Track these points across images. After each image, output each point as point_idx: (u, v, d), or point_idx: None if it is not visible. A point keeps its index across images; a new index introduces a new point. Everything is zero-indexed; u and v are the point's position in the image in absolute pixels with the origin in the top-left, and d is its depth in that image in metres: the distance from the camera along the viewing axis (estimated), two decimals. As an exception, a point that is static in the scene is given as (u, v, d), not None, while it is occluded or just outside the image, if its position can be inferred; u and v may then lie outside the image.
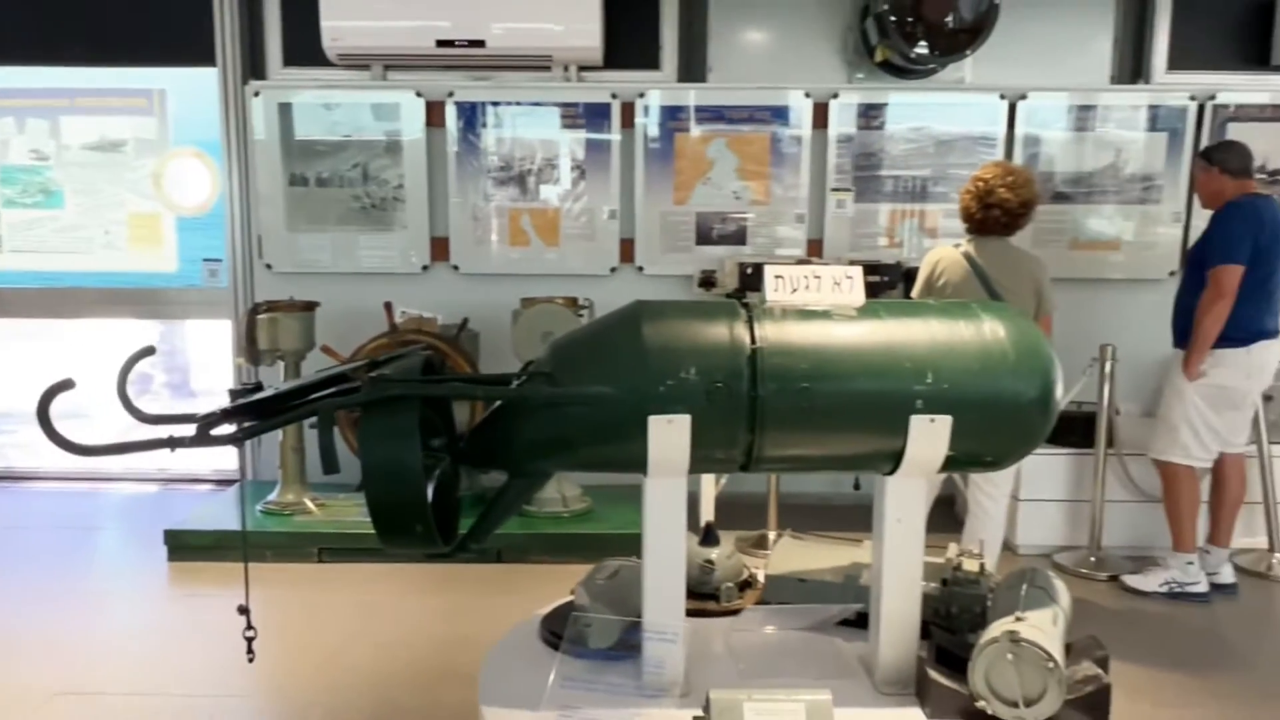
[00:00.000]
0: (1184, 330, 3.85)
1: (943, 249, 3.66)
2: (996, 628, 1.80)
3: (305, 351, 4.47)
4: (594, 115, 4.89)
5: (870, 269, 3.77)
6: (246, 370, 4.52)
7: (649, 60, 5.05)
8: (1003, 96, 4.89)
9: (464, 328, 4.45)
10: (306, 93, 4.90)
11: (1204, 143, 4.77)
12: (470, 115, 4.89)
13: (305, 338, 4.45)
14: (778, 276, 1.99)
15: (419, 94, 4.89)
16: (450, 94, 4.89)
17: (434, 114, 4.90)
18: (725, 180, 4.92)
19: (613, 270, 4.98)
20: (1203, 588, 3.83)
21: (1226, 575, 3.93)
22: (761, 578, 2.41)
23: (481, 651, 2.12)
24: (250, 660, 1.98)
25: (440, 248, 4.99)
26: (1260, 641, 3.57)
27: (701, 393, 1.81)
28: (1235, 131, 4.76)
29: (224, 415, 1.87)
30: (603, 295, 4.63)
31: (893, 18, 4.70)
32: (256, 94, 4.91)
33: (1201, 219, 4.14)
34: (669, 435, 1.81)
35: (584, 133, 4.90)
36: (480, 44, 4.69)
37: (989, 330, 1.91)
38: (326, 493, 4.53)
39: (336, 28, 4.68)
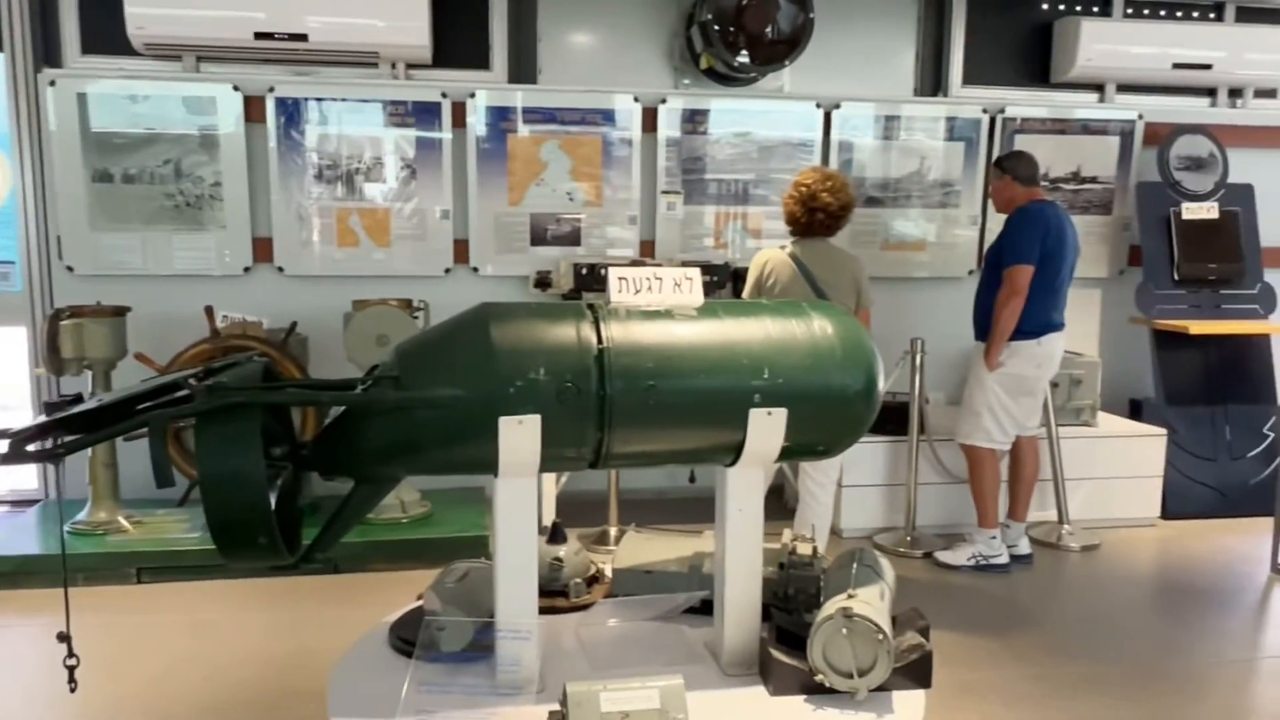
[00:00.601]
0: (984, 325, 4.20)
1: (770, 251, 3.83)
2: (831, 605, 1.93)
3: (116, 360, 4.17)
4: (424, 114, 4.82)
5: (702, 270, 3.91)
6: (49, 381, 4.17)
7: (479, 60, 5.03)
8: (819, 105, 5.16)
9: (292, 332, 4.29)
10: (108, 83, 4.58)
11: (996, 152, 5.19)
12: (293, 111, 4.71)
13: (116, 345, 4.15)
14: (621, 278, 2.05)
15: (236, 88, 4.67)
16: (271, 89, 4.69)
17: (253, 109, 4.69)
18: (559, 182, 4.97)
19: (447, 271, 4.92)
20: (1004, 559, 4.20)
21: (1024, 547, 4.32)
22: (609, 572, 2.47)
23: (325, 667, 2.07)
24: (73, 690, 1.86)
25: (263, 248, 4.77)
26: (1052, 605, 3.95)
27: (551, 393, 1.85)
28: (1022, 142, 5.23)
29: (40, 430, 1.75)
30: (438, 296, 4.58)
31: (716, 27, 4.89)
32: (52, 83, 4.54)
33: (996, 222, 4.52)
34: (520, 436, 1.84)
35: (414, 131, 4.82)
36: (302, 38, 4.54)
37: (818, 328, 2.04)
38: (142, 509, 4.26)
39: (142, 15, 4.41)
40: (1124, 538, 4.65)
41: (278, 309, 4.51)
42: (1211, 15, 5.67)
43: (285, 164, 4.73)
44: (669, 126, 5.03)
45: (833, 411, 2.03)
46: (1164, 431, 4.84)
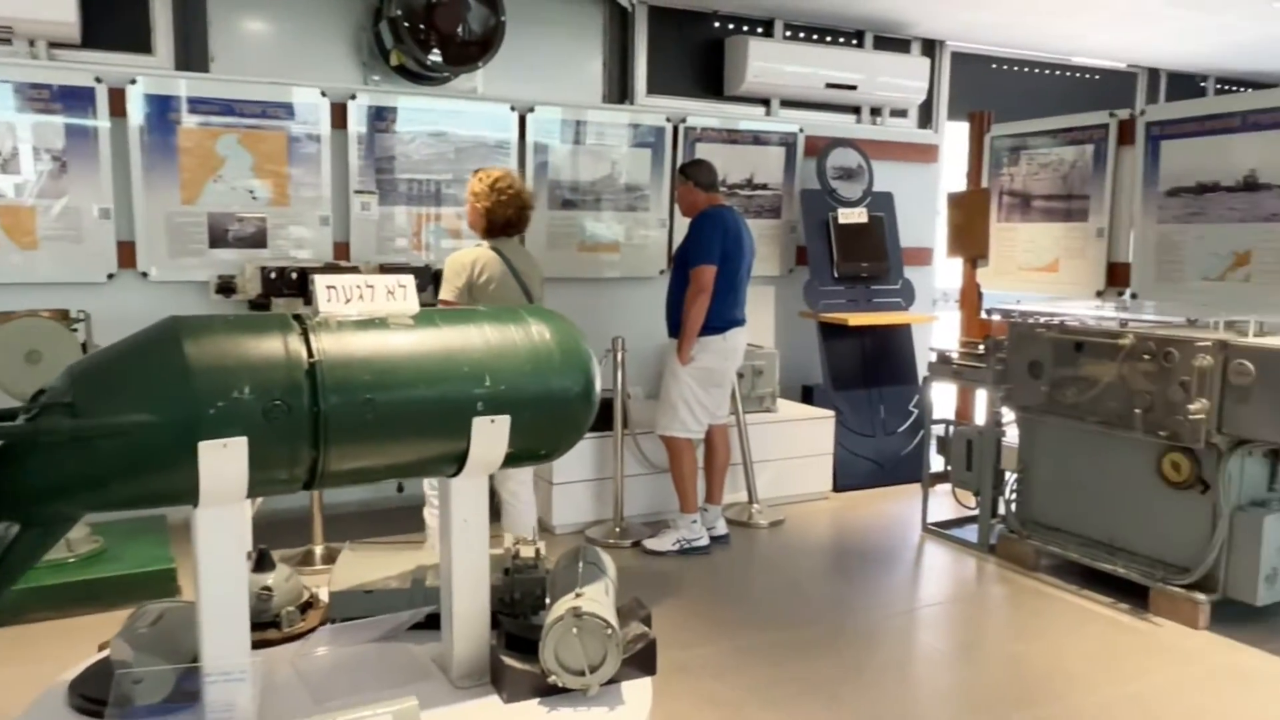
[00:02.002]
0: (675, 322, 4.45)
1: (476, 250, 3.73)
2: (561, 606, 1.96)
3: None
4: (73, 100, 4.27)
5: (400, 272, 3.78)
6: None
7: (139, 43, 4.55)
8: (513, 108, 5.20)
9: (-91, 352, 3.63)
10: None
11: (680, 159, 5.53)
12: (-102, 91, 3.99)
13: None
14: (330, 287, 1.95)
15: None
16: None
17: None
18: (239, 178, 4.61)
19: (110, 277, 4.40)
20: (704, 541, 4.48)
21: (721, 528, 4.64)
22: (325, 596, 2.34)
23: (-9, 739, 1.79)
24: None
25: None
26: (750, 579, 4.28)
27: (258, 412, 1.72)
28: (702, 150, 5.60)
29: None
30: (101, 306, 4.08)
31: (406, 24, 4.77)
32: None
33: (682, 225, 4.80)
34: (224, 461, 1.69)
35: (61, 119, 4.26)
36: (-91, 5, 3.86)
37: (536, 333, 2.06)
38: None
39: None
40: (804, 511, 5.14)
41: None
42: (854, 42, 6.39)
43: (-110, 153, 4.00)
44: (359, 124, 4.84)
45: (554, 415, 2.05)
46: (832, 413, 5.40)
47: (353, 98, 4.81)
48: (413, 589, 2.30)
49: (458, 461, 1.98)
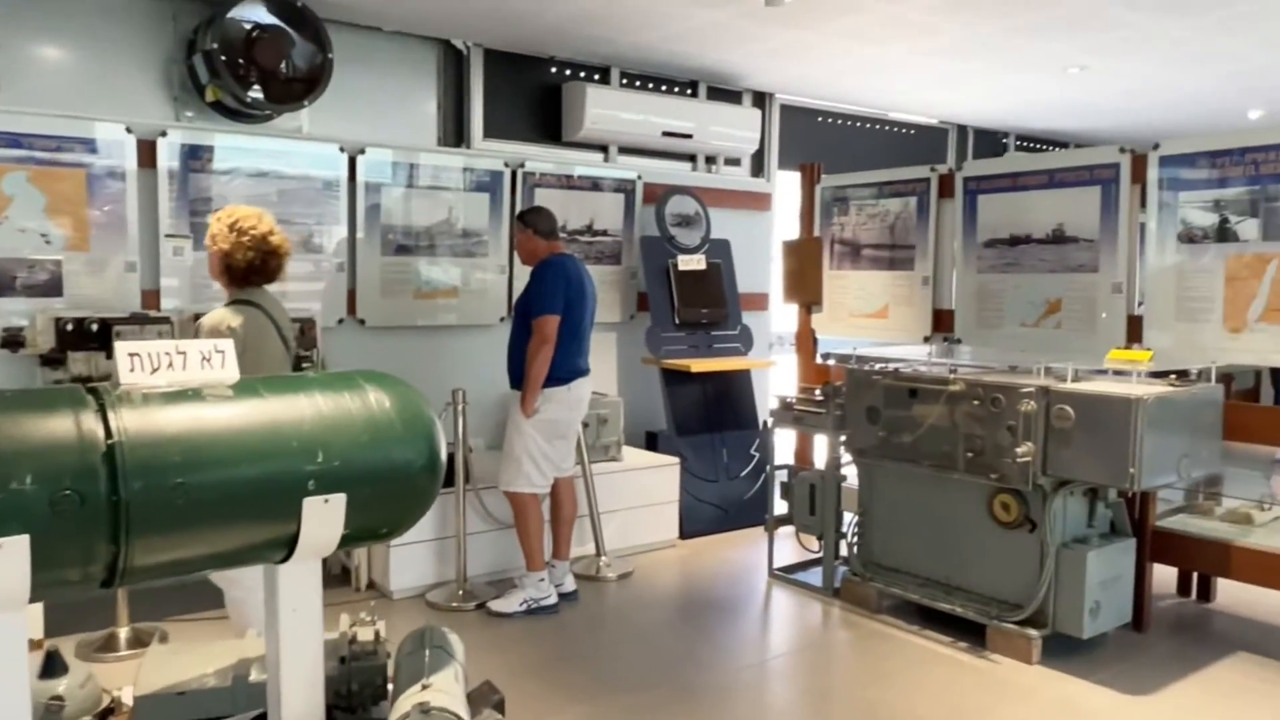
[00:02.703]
0: (518, 373, 4.31)
1: (236, 311, 3.13)
2: (406, 701, 1.79)
3: None
4: None
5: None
6: None
7: (-93, 69, 4.05)
8: (342, 149, 4.96)
9: None
10: None
11: (519, 205, 5.42)
12: None
13: None
14: (133, 355, 1.73)
15: None
16: None
17: None
18: (29, 220, 4.15)
19: None
20: (553, 600, 4.32)
21: (569, 584, 4.50)
22: (129, 699, 2.06)
23: None
24: None
25: None
26: (599, 637, 4.15)
27: (44, 504, 1.48)
28: (541, 196, 5.51)
29: None
30: None
31: (223, 58, 4.48)
32: None
33: (523, 271, 4.70)
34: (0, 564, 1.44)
35: None
36: None
37: (374, 400, 1.90)
38: None
39: None
40: (652, 561, 5.07)
41: None
42: (689, 92, 6.50)
43: None
44: (171, 163, 4.48)
45: (396, 490, 1.89)
46: (677, 460, 5.38)
47: (163, 134, 4.45)
48: (234, 688, 2.05)
49: (286, 546, 1.78)
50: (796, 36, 5.37)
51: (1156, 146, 4.10)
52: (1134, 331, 4.22)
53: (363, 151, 5.01)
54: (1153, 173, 4.10)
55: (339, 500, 1.77)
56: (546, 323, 4.21)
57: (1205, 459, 3.66)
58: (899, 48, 5.57)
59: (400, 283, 5.19)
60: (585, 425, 4.83)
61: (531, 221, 4.44)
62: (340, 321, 4.98)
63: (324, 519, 1.77)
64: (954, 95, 7.03)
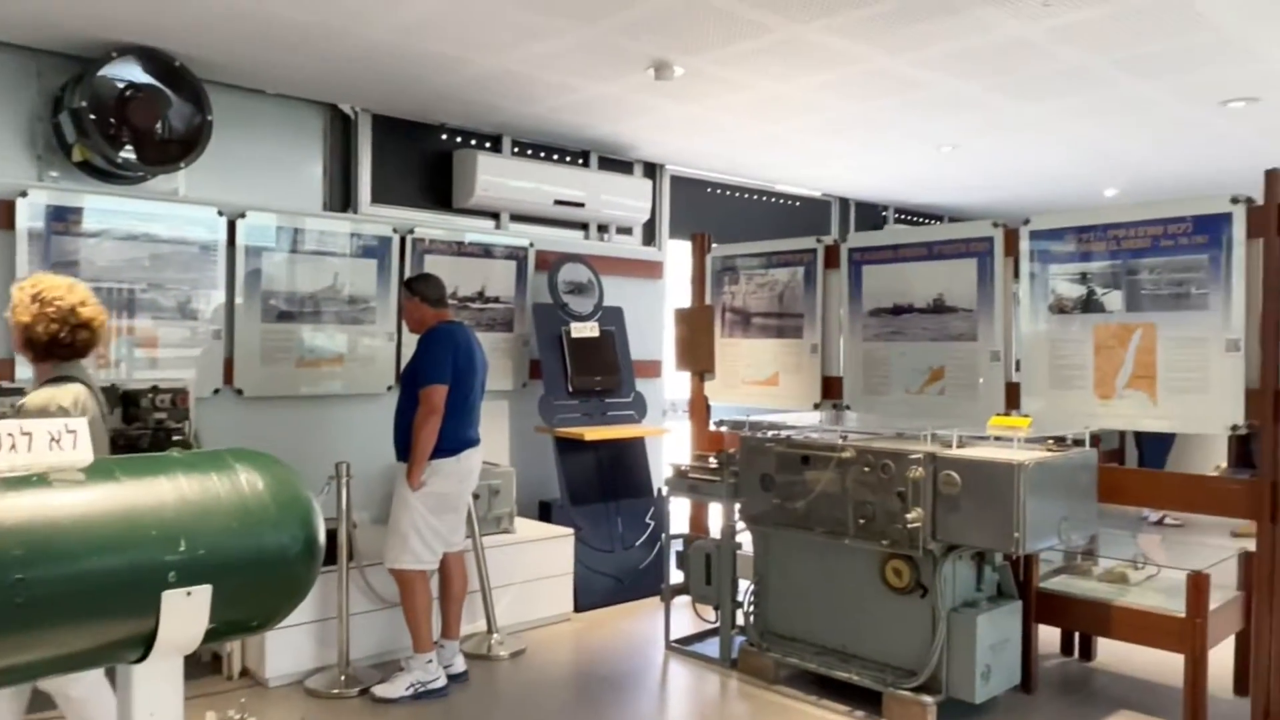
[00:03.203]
0: (405, 444, 4.16)
1: (65, 389, 2.86)
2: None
3: None
4: None
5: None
6: None
7: None
8: (221, 212, 4.78)
9: None
10: None
11: (408, 271, 5.31)
12: None
13: None
14: (-29, 437, 1.56)
15: None
16: None
17: None
18: None
19: None
20: (441, 682, 4.12)
21: (459, 664, 4.30)
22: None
23: None
24: None
25: None
26: (491, 718, 3.97)
27: None
28: (431, 263, 5.42)
29: None
30: None
31: (93, 116, 4.28)
32: None
33: (411, 339, 4.58)
34: None
35: None
36: None
37: (246, 482, 1.77)
38: None
39: None
40: (546, 637, 4.92)
41: None
42: (581, 161, 6.55)
43: None
44: (33, 225, 4.22)
45: (269, 579, 1.76)
46: (571, 531, 5.27)
47: (23, 194, 4.20)
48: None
49: (143, 644, 1.63)
50: (686, 110, 5.48)
51: (1027, 222, 4.31)
52: (1012, 398, 4.37)
53: (243, 215, 4.84)
54: (1024, 246, 4.30)
55: (203, 593, 1.63)
56: (433, 392, 4.09)
57: (1083, 521, 3.79)
58: (786, 124, 5.75)
59: (282, 350, 4.99)
60: (476, 496, 4.69)
61: (419, 289, 4.35)
62: (216, 391, 4.74)
63: (186, 614, 1.62)
64: (836, 170, 7.29)
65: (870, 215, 8.82)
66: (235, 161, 5.00)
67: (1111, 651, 4.53)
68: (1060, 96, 5.07)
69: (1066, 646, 4.65)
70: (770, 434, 4.27)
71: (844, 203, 8.62)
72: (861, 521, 3.82)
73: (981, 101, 5.20)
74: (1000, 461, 3.49)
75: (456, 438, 4.19)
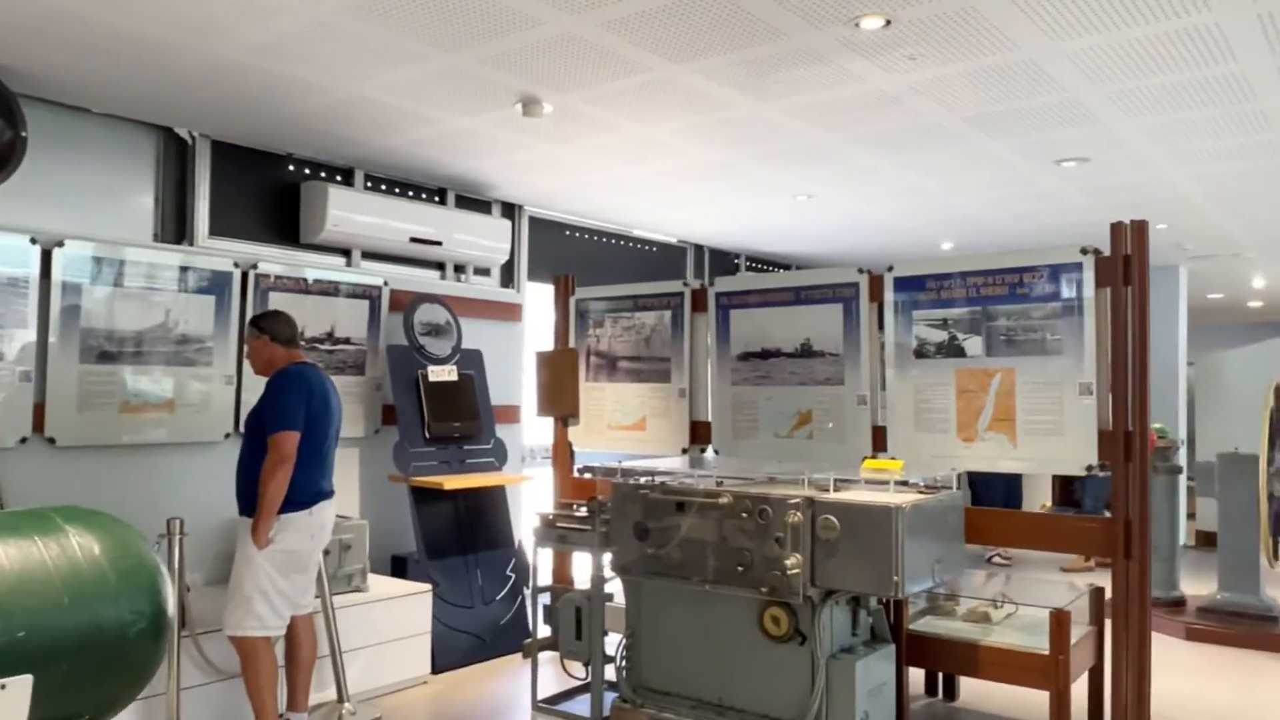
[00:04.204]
0: (249, 497, 3.80)
1: None
2: None
3: None
4: None
5: None
6: None
7: None
8: (34, 240, 4.28)
9: None
10: None
11: (250, 309, 4.91)
12: None
13: None
14: None
15: None
16: None
17: None
18: None
19: None
20: (282, 762, 3.74)
21: (305, 740, 3.92)
22: None
23: None
24: None
25: None
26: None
27: None
28: (277, 300, 5.04)
29: None
30: None
31: (-118, 128, 3.76)
32: None
33: (253, 382, 4.21)
34: None
35: None
36: None
37: (79, 545, 1.48)
38: None
39: None
40: (402, 702, 4.57)
41: None
42: (436, 199, 6.32)
43: None
44: None
45: (107, 662, 1.47)
46: (429, 586, 4.95)
47: None
48: None
49: (-61, 754, 1.31)
50: (550, 150, 5.37)
51: (891, 268, 4.41)
52: (879, 441, 4.42)
53: (60, 244, 4.35)
54: (888, 293, 4.39)
55: (23, 684, 1.33)
56: (285, 440, 3.76)
57: (954, 562, 3.83)
58: (650, 167, 5.73)
59: (102, 395, 4.50)
60: (327, 553, 4.33)
61: (268, 327, 4.02)
62: (23, 440, 4.20)
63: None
64: (694, 215, 7.35)
65: (724, 262, 8.96)
66: (53, 185, 4.53)
67: (974, 690, 4.61)
68: (913, 150, 5.27)
69: (930, 687, 4.70)
70: (644, 480, 4.15)
71: (699, 249, 8.72)
72: (740, 569, 3.73)
73: (839, 152, 5.34)
74: (878, 505, 3.48)
75: (309, 490, 3.87)
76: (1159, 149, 5.18)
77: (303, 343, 5.14)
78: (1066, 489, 9.89)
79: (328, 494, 3.98)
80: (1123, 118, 4.64)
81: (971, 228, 7.51)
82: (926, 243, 8.19)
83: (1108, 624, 4.05)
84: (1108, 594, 4.01)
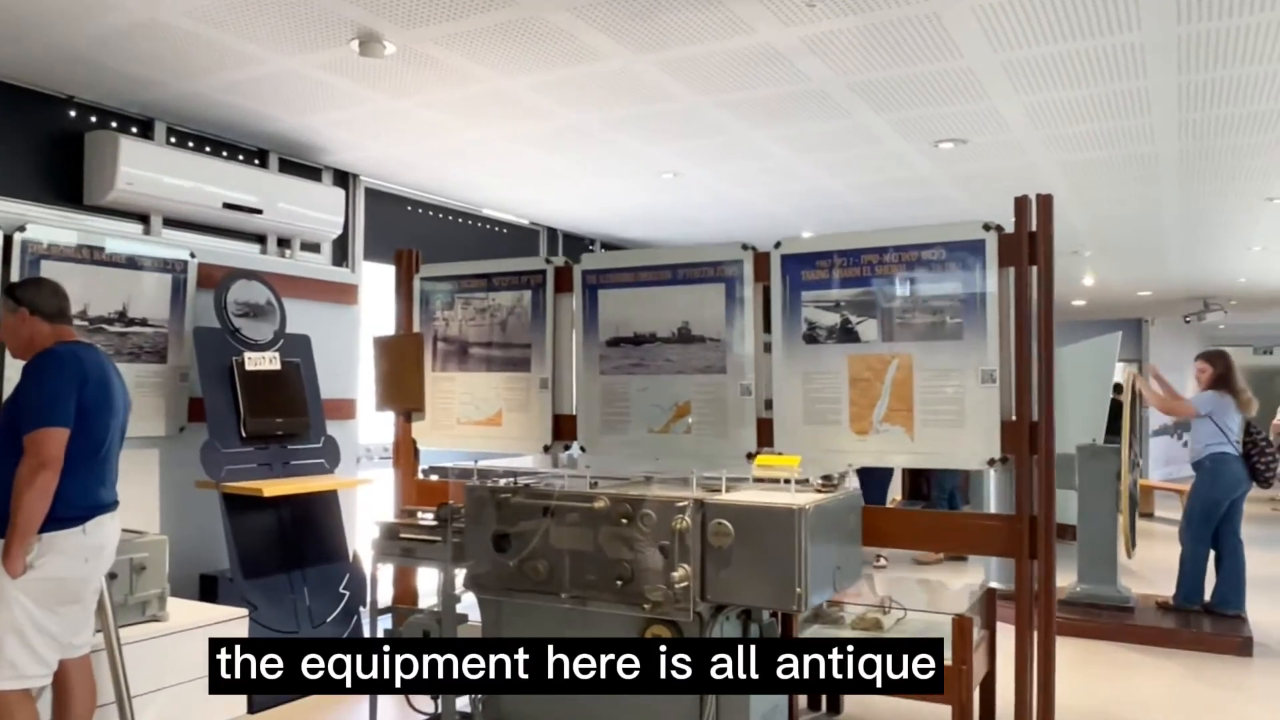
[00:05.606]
0: (1, 513, 3.00)
1: None
2: None
3: None
4: None
5: None
6: None
7: None
8: None
9: None
10: None
11: (13, 279, 4.03)
12: None
13: None
14: None
15: None
16: None
17: None
18: None
19: None
20: None
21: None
22: None
23: None
24: None
25: None
26: None
27: None
28: (52, 271, 4.16)
29: None
30: None
31: None
32: None
33: (13, 366, 3.39)
34: None
35: None
36: None
37: None
38: None
39: None
40: (206, 755, 3.82)
41: None
42: (257, 162, 5.50)
43: None
44: None
45: None
46: (244, 611, 4.19)
47: None
48: None
49: None
50: (391, 104, 4.70)
51: (778, 245, 4.01)
52: (765, 435, 4.02)
53: None
54: (775, 272, 3.99)
55: None
56: (48, 438, 2.99)
57: (853, 568, 3.47)
58: (501, 129, 5.14)
59: None
60: (113, 576, 3.54)
61: (28, 298, 3.22)
62: None
63: None
64: (546, 194, 6.81)
65: (578, 248, 8.44)
66: None
67: (858, 702, 4.30)
68: (791, 121, 4.92)
69: (814, 700, 4.35)
70: (503, 481, 3.58)
71: (552, 233, 8.17)
72: (618, 583, 3.23)
73: (712, 121, 4.92)
74: (780, 506, 3.05)
75: (82, 502, 3.11)
76: (1037, 132, 5.02)
77: (86, 323, 4.30)
78: (915, 482, 9.94)
79: (108, 506, 3.21)
80: (1011, 94, 4.43)
81: (836, 215, 7.29)
82: (788, 230, 7.93)
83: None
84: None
